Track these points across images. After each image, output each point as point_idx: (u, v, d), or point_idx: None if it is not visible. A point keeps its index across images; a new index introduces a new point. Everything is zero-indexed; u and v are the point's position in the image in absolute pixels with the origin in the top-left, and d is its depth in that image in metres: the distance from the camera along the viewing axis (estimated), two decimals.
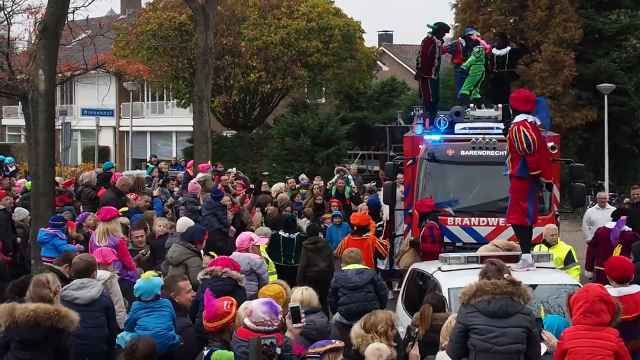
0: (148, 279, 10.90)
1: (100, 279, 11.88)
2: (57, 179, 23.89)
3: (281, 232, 18.35)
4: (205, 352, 8.95)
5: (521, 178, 13.40)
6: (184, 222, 16.26)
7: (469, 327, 8.70)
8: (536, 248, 15.40)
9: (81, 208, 20.61)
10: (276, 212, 21.13)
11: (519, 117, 13.40)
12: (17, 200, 22.18)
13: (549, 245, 15.85)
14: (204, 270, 11.48)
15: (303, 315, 9.64)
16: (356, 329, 9.97)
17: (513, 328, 8.66)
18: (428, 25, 19.03)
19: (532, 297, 9.06)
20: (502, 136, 16.31)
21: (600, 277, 15.91)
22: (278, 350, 7.63)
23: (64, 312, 9.21)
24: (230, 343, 8.87)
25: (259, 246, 14.13)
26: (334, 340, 8.71)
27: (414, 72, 20.17)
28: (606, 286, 10.68)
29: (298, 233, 18.68)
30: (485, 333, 8.62)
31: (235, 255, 13.39)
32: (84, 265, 11.34)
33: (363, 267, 12.97)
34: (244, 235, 14.34)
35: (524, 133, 13.12)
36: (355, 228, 17.70)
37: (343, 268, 12.92)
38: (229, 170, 28.42)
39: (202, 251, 14.31)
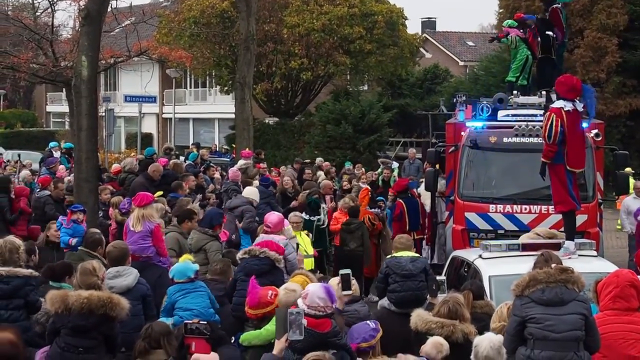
0: (184, 261, 11.00)
1: None
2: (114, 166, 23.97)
3: (304, 215, 18.33)
4: (234, 339, 8.95)
5: (557, 164, 13.30)
6: (250, 192, 17.45)
7: (525, 319, 8.58)
8: None
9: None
10: (304, 197, 21.11)
11: (557, 104, 13.25)
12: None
13: None
14: (243, 250, 11.36)
15: (353, 283, 9.62)
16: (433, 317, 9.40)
17: (570, 315, 8.53)
18: None
19: (585, 284, 8.95)
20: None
21: None
22: (304, 322, 7.55)
23: (116, 299, 9.17)
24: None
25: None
26: (369, 323, 8.59)
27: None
28: None
29: (319, 217, 18.90)
30: (543, 321, 8.50)
31: (262, 235, 13.20)
32: (119, 253, 11.27)
33: (416, 255, 12.88)
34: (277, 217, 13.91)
35: (552, 121, 13.00)
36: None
37: (395, 254, 12.75)
38: (296, 159, 29.02)
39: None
